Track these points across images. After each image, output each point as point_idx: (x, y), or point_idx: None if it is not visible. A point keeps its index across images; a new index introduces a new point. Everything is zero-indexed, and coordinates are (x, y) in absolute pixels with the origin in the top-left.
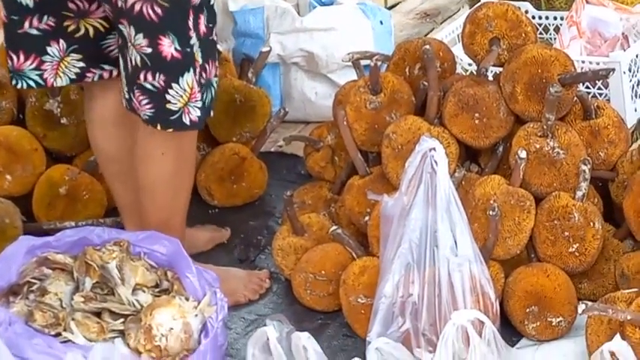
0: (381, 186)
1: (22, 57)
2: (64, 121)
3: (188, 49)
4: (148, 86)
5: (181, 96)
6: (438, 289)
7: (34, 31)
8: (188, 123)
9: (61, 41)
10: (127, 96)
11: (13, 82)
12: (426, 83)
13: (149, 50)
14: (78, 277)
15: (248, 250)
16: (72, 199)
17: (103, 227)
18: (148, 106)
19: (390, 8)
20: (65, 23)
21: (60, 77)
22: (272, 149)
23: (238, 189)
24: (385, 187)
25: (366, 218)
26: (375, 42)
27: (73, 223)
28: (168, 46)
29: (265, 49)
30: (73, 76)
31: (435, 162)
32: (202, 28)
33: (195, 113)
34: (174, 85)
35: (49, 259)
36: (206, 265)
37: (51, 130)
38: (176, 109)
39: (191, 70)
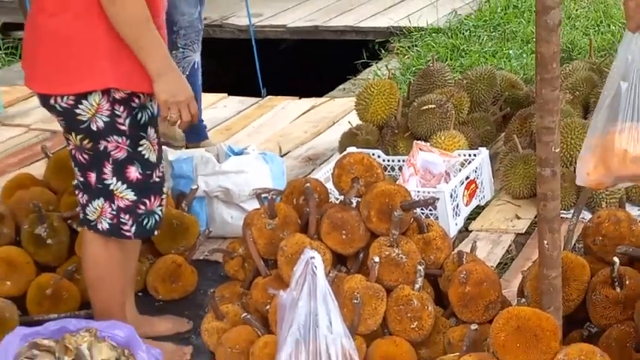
0: (277, 284)
1: None
2: (49, 241)
3: (100, 186)
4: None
5: (94, 212)
6: (319, 358)
7: None
8: (101, 230)
9: None
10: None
11: None
12: (308, 209)
13: (82, 179)
14: (59, 356)
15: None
16: (55, 298)
17: (78, 319)
18: (81, 213)
19: (283, 155)
20: None
21: None
22: (201, 257)
23: (176, 287)
24: (281, 284)
25: (267, 307)
26: (272, 180)
27: (55, 315)
28: (93, 178)
29: (194, 187)
30: None
31: (315, 267)
32: (133, 175)
33: (104, 225)
34: (89, 204)
35: (37, 343)
36: (146, 340)
37: (39, 248)
38: (92, 219)
39: (101, 198)
